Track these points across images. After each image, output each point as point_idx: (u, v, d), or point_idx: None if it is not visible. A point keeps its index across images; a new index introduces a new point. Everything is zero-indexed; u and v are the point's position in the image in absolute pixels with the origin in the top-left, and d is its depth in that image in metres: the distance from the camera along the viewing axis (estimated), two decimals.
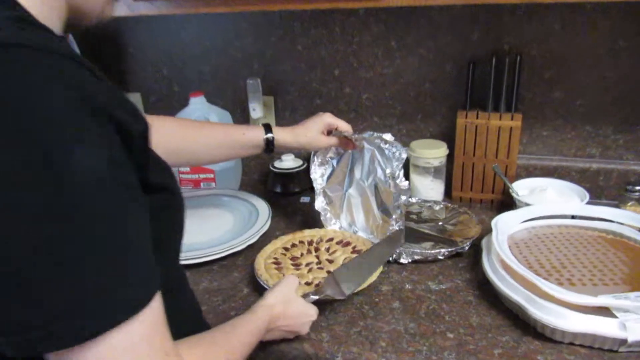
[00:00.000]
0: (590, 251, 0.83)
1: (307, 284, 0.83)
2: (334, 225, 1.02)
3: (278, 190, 1.26)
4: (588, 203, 0.98)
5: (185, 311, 0.62)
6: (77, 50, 1.33)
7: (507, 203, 1.10)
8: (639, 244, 0.84)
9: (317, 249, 0.94)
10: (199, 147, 0.89)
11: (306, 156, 1.10)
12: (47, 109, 0.35)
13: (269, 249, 0.93)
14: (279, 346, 0.72)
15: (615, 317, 0.66)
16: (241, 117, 1.38)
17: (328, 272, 0.86)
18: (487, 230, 0.91)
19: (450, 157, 1.15)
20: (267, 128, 0.92)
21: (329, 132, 0.97)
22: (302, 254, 0.92)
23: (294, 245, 0.95)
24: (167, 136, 0.86)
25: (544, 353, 0.69)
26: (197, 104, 1.20)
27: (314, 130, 0.94)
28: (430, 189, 1.15)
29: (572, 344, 0.70)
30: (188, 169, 1.23)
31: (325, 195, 1.03)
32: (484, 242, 0.90)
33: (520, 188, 1.06)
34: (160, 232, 0.45)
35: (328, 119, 0.95)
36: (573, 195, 1.03)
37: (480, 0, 0.92)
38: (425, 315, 0.78)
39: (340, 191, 1.02)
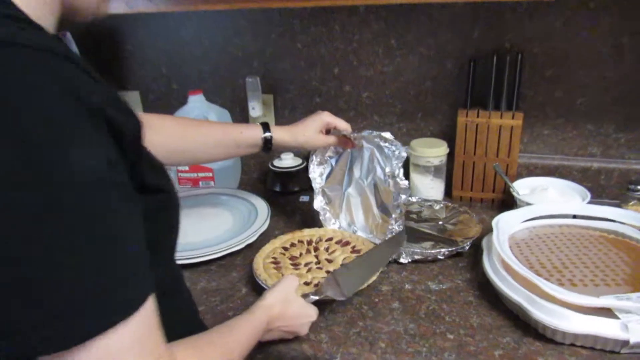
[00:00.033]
0: (592, 251, 0.83)
1: (306, 283, 0.83)
2: (333, 225, 1.02)
3: (277, 189, 1.25)
4: (589, 202, 0.97)
5: (182, 311, 0.62)
6: (75, 48, 1.33)
7: (508, 202, 1.10)
8: None
9: (316, 249, 0.93)
10: (197, 146, 0.88)
11: (306, 155, 1.09)
12: (43, 109, 0.34)
13: (267, 248, 0.93)
14: (277, 347, 0.71)
15: (618, 318, 0.66)
16: (240, 115, 1.37)
17: (327, 272, 0.86)
18: (488, 230, 0.90)
19: (450, 156, 1.14)
20: (265, 127, 0.91)
21: (328, 131, 0.96)
22: (301, 254, 0.92)
23: (293, 244, 0.95)
24: (165, 135, 0.85)
25: (544, 354, 0.68)
26: (196, 103, 1.19)
27: (312, 129, 0.93)
28: (431, 188, 1.14)
29: (573, 345, 0.69)
30: (187, 168, 1.23)
31: (324, 194, 1.03)
32: (484, 241, 0.89)
33: (521, 187, 1.06)
34: (156, 232, 0.45)
35: (326, 117, 0.94)
36: (574, 194, 1.02)
37: None
38: (425, 316, 0.78)
39: (339, 190, 1.02)
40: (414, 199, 1.12)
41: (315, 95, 1.30)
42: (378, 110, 1.27)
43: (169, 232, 0.53)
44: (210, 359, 0.51)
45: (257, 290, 0.85)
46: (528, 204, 0.98)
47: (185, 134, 0.87)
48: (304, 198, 1.21)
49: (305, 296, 0.72)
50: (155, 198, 0.47)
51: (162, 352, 0.41)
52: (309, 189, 1.03)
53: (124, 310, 0.37)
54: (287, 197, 1.23)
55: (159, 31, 1.34)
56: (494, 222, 0.87)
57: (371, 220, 0.97)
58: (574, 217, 0.93)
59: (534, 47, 1.09)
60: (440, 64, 1.17)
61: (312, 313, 0.71)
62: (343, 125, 0.94)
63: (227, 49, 1.31)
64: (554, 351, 0.69)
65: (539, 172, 1.14)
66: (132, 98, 1.44)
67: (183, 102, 1.20)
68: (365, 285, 0.81)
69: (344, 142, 0.97)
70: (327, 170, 1.02)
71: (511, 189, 1.04)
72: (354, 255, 0.90)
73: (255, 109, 1.29)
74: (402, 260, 0.91)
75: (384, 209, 0.94)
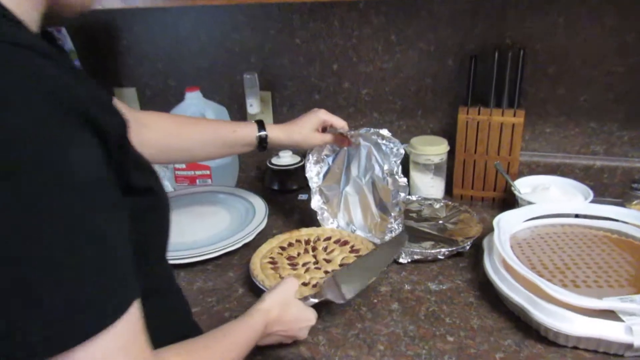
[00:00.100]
0: (595, 251, 0.81)
1: (305, 284, 0.81)
2: (331, 225, 1.00)
3: (275, 187, 1.24)
4: (592, 201, 0.95)
5: (174, 312, 0.60)
6: (70, 44, 1.31)
7: (509, 201, 1.08)
8: None
9: (314, 249, 0.92)
10: (193, 144, 0.87)
11: (304, 153, 1.08)
12: (21, 108, 0.33)
13: (265, 248, 0.91)
14: (275, 350, 0.70)
15: (622, 320, 0.64)
16: (238, 112, 1.36)
17: (326, 272, 0.84)
18: (489, 229, 0.89)
19: (451, 153, 1.12)
20: (260, 125, 0.89)
21: (324, 129, 0.95)
22: (299, 254, 0.90)
23: (290, 244, 0.93)
24: (161, 133, 0.84)
25: (547, 357, 0.67)
26: (193, 99, 1.17)
27: (308, 127, 0.92)
28: (431, 187, 1.12)
29: (576, 348, 0.68)
30: (184, 166, 1.21)
31: (321, 193, 1.01)
32: (485, 241, 0.88)
33: (523, 186, 1.04)
34: (144, 234, 0.44)
35: (322, 115, 0.92)
36: (577, 193, 1.01)
37: None
38: (425, 318, 0.76)
39: (336, 189, 1.00)
40: (413, 198, 1.11)
41: (314, 92, 1.28)
42: (378, 107, 1.25)
43: (158, 233, 0.52)
44: None
45: (254, 290, 0.84)
46: (530, 203, 0.96)
47: (180, 132, 0.86)
48: (303, 196, 1.20)
49: (304, 299, 0.71)
50: (143, 199, 0.45)
51: (148, 357, 0.40)
52: (307, 187, 1.02)
53: (108, 316, 0.36)
54: (286, 196, 1.22)
55: (155, 27, 1.33)
56: (495, 222, 0.86)
57: (370, 219, 0.96)
58: (577, 216, 0.92)
59: (536, 43, 1.07)
60: (440, 60, 1.16)
61: (311, 317, 0.69)
62: (340, 123, 0.93)
63: (225, 44, 1.30)
64: (556, 354, 0.67)
65: (541, 171, 1.13)
66: (129, 95, 1.43)
67: (180, 98, 1.19)
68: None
69: (341, 140, 0.96)
70: (324, 169, 1.01)
71: (512, 188, 1.02)
72: (352, 254, 0.89)
73: (253, 106, 1.27)
74: (401, 260, 0.89)
75: (383, 208, 0.92)
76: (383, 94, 1.23)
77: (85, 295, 0.35)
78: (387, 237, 0.89)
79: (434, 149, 1.09)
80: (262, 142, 0.89)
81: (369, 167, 0.94)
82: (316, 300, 0.72)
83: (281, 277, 0.83)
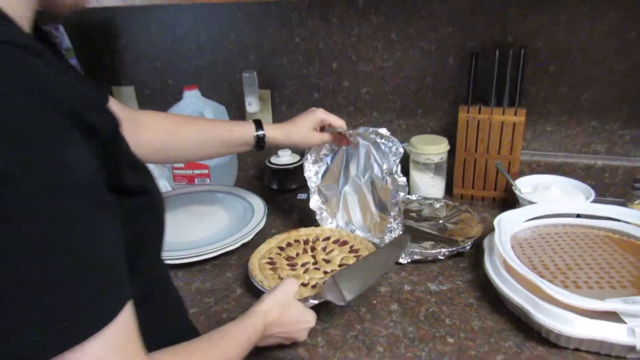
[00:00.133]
0: (597, 252, 0.80)
1: (304, 285, 0.80)
2: (330, 225, 0.99)
3: (274, 186, 1.23)
4: (594, 201, 0.95)
5: (170, 312, 0.60)
6: (67, 42, 1.30)
7: (510, 201, 1.07)
8: None
9: (313, 249, 0.91)
10: (190, 143, 0.87)
11: (303, 152, 1.07)
12: (10, 108, 0.32)
13: (263, 248, 0.90)
14: (273, 352, 0.69)
15: (624, 322, 0.63)
16: (237, 111, 1.35)
17: (325, 272, 0.83)
18: (489, 229, 0.88)
19: (451, 153, 1.11)
20: (258, 125, 0.89)
21: (322, 128, 0.94)
22: (297, 254, 0.89)
23: (289, 244, 0.92)
24: (157, 133, 0.84)
25: (548, 359, 0.66)
26: (192, 98, 1.17)
27: (306, 127, 0.91)
28: (431, 186, 1.12)
29: (577, 350, 0.67)
30: (182, 165, 1.20)
31: (320, 193, 1.00)
32: (486, 241, 0.87)
33: (524, 185, 1.03)
34: (139, 234, 0.43)
35: (320, 114, 0.92)
36: (578, 193, 1.00)
37: None
38: (425, 319, 0.75)
39: (335, 189, 0.99)
40: (413, 197, 1.10)
41: (313, 91, 1.27)
42: (377, 106, 1.24)
43: (153, 233, 0.51)
44: None
45: (252, 291, 0.83)
46: (530, 202, 0.95)
47: (178, 131, 0.85)
48: (302, 196, 1.19)
49: (304, 300, 0.70)
50: (137, 199, 0.44)
51: None
52: (306, 187, 1.02)
53: (100, 320, 0.36)
54: (285, 195, 1.21)
55: (154, 24, 1.32)
56: (495, 222, 0.85)
57: (369, 219, 0.95)
58: (578, 216, 0.91)
59: (538, 41, 1.06)
60: (441, 58, 1.15)
61: (311, 319, 0.68)
62: (338, 122, 0.92)
63: (224, 43, 1.29)
64: (557, 356, 0.66)
65: (542, 170, 1.12)
66: (127, 93, 1.42)
67: (178, 97, 1.18)
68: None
69: (339, 139, 0.95)
70: (323, 168, 1.00)
71: (513, 187, 1.01)
72: (351, 254, 0.88)
73: (252, 105, 1.26)
74: (401, 260, 0.88)
75: (382, 207, 0.92)
76: (383, 93, 1.22)
77: (75, 299, 0.34)
78: (387, 237, 0.89)
79: (434, 148, 1.08)
80: (260, 141, 0.89)
81: (368, 166, 0.93)
82: (316, 302, 0.71)
83: (280, 278, 0.82)
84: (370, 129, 0.89)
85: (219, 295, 0.84)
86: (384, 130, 0.89)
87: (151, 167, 1.19)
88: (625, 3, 0.98)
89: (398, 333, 0.72)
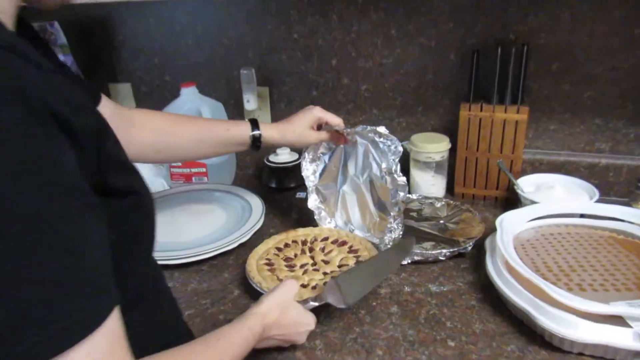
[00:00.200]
0: (601, 253, 0.79)
1: (303, 286, 0.79)
2: (329, 224, 0.98)
3: (273, 185, 1.21)
4: (597, 201, 0.93)
5: (162, 316, 0.58)
6: (63, 38, 1.28)
7: (512, 200, 1.06)
8: None
9: (311, 249, 0.89)
10: (187, 142, 0.85)
11: (302, 150, 1.06)
12: None
13: (261, 249, 0.89)
14: (270, 354, 0.68)
15: (629, 326, 0.62)
16: (235, 108, 1.33)
17: (324, 273, 0.82)
18: (491, 229, 0.86)
19: (452, 151, 1.10)
20: (254, 124, 0.87)
21: (319, 127, 0.92)
22: (296, 255, 0.88)
23: (287, 245, 0.91)
24: (153, 131, 0.82)
25: None
26: (189, 95, 1.15)
27: (302, 125, 0.90)
28: (432, 185, 1.10)
29: (582, 354, 0.65)
30: (179, 163, 1.19)
31: (318, 193, 0.99)
32: (487, 242, 0.86)
33: (526, 184, 1.02)
34: (128, 235, 0.42)
35: (317, 112, 0.90)
36: (581, 192, 0.98)
37: None
38: (425, 321, 0.74)
39: (334, 188, 0.98)
40: (414, 196, 1.08)
41: (312, 88, 1.26)
42: (377, 103, 1.22)
43: (143, 234, 0.49)
44: None
45: (250, 292, 0.82)
46: (533, 202, 0.94)
47: (173, 131, 0.84)
48: (301, 194, 1.18)
49: (304, 302, 0.68)
50: (124, 200, 0.43)
51: None
52: (305, 185, 1.00)
53: (85, 328, 0.34)
54: (283, 194, 1.19)
55: (151, 20, 1.30)
56: (497, 222, 0.83)
57: (368, 219, 0.93)
58: (582, 216, 0.89)
59: (540, 38, 1.04)
60: (442, 55, 1.13)
61: (311, 321, 0.67)
62: (335, 121, 0.90)
63: (222, 39, 1.27)
64: None
65: (545, 169, 1.10)
66: (124, 90, 1.40)
67: (176, 94, 1.16)
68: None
69: (337, 137, 0.93)
70: (321, 167, 0.98)
71: (515, 187, 1.00)
72: (351, 255, 0.86)
73: (250, 102, 1.25)
74: None
75: (382, 207, 0.90)
76: (383, 90, 1.20)
77: (59, 305, 0.33)
78: (387, 237, 0.87)
79: (435, 147, 1.06)
80: (256, 141, 0.87)
81: (367, 165, 0.91)
82: (316, 304, 0.69)
83: (279, 279, 0.80)
84: (369, 128, 0.88)
85: (215, 296, 0.82)
86: (382, 129, 0.87)
87: (148, 165, 1.18)
88: (629, 1, 0.96)
89: (398, 336, 0.71)
